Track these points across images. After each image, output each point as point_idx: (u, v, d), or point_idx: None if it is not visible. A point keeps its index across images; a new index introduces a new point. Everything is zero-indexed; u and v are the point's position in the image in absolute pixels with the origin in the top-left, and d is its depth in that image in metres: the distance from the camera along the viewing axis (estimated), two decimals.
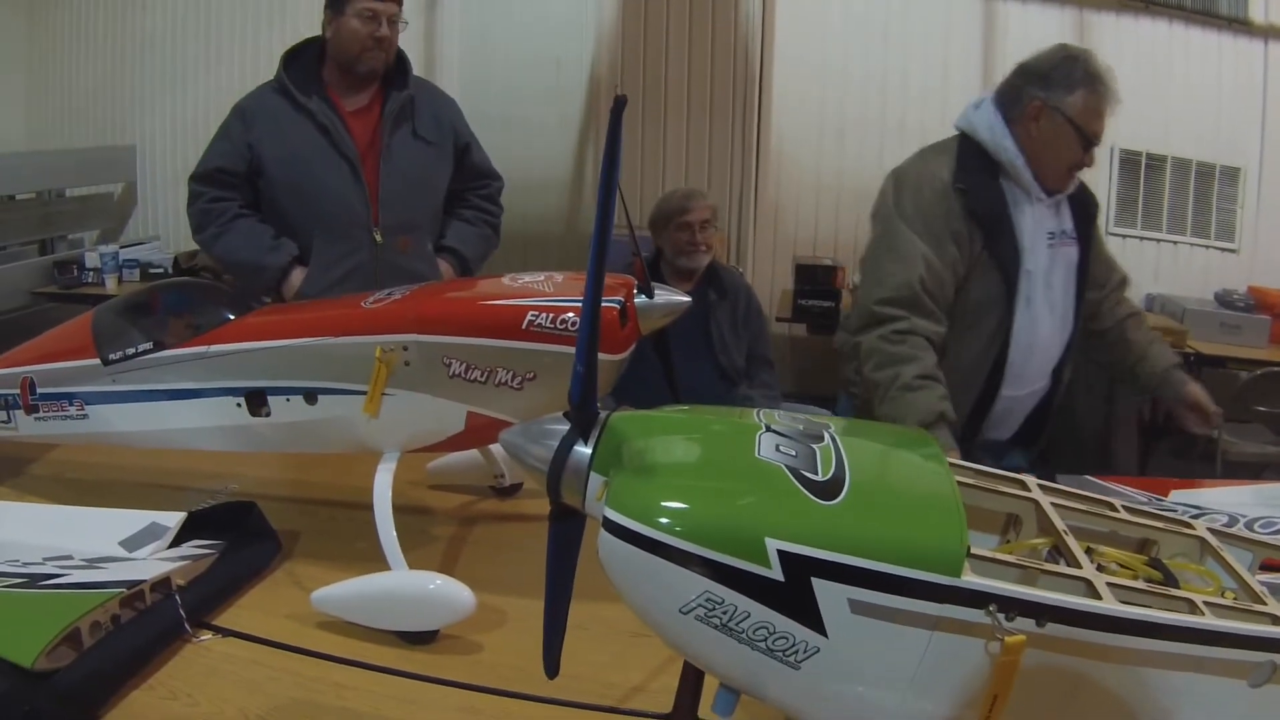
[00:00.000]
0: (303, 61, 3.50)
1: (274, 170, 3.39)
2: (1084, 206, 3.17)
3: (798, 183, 6.57)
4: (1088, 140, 2.93)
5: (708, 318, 4.01)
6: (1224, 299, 5.71)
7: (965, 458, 2.75)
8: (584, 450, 1.15)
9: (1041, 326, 3.05)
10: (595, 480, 1.14)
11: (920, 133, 6.29)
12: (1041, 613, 1.02)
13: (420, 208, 3.60)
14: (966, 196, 2.98)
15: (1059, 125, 2.93)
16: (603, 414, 1.18)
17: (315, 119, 3.37)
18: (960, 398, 2.97)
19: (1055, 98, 2.93)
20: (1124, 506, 1.37)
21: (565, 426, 1.16)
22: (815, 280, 5.79)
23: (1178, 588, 1.16)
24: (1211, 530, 1.35)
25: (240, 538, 2.17)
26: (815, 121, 6.48)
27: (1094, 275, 3.23)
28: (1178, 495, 2.53)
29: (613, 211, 1.11)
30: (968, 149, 3.09)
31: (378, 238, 3.44)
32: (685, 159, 6.24)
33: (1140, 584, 1.14)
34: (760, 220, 6.47)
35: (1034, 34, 6.15)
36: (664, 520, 1.04)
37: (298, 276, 3.38)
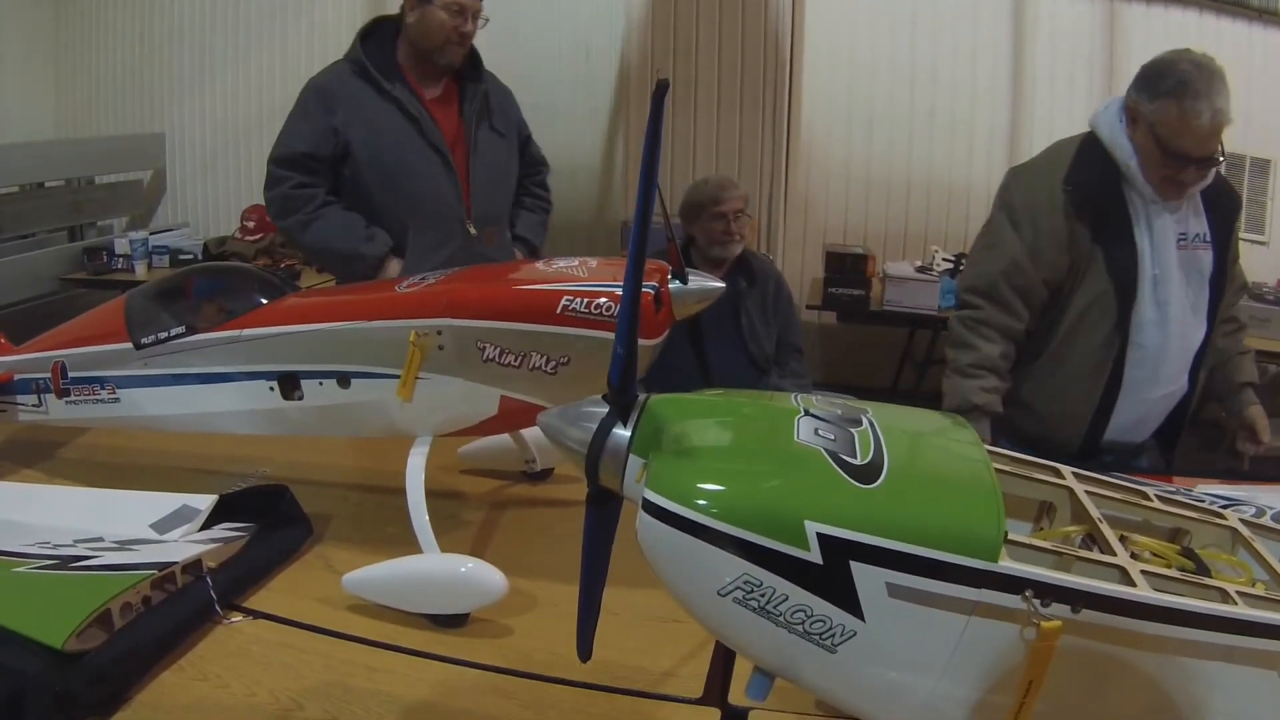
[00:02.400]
0: (378, 44, 3.46)
1: (364, 158, 3.35)
2: (1221, 208, 3.02)
3: (827, 171, 6.54)
4: (1172, 156, 2.74)
5: (738, 305, 3.99)
6: (1253, 292, 5.67)
7: (1089, 457, 2.93)
8: (623, 433, 1.14)
9: (1173, 328, 2.93)
10: (634, 463, 1.13)
11: (950, 122, 6.33)
12: (1076, 599, 1.02)
13: (502, 200, 3.67)
14: (1074, 195, 2.88)
15: (1146, 134, 2.78)
16: (641, 397, 1.18)
17: (403, 107, 3.36)
18: (1079, 397, 2.98)
19: (1144, 104, 2.77)
20: (1157, 496, 1.37)
21: (604, 409, 1.15)
22: (845, 268, 5.75)
23: (1210, 577, 1.16)
24: (1244, 521, 1.35)
25: (271, 521, 2.18)
26: (844, 110, 6.45)
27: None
28: (1205, 489, 2.51)
29: (654, 194, 1.10)
30: (1090, 147, 2.96)
31: (471, 230, 3.47)
32: (715, 147, 6.22)
33: (1173, 572, 1.14)
34: (790, 208, 6.44)
35: (1064, 24, 6.14)
36: (703, 502, 1.04)
37: (395, 266, 3.35)
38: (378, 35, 3.47)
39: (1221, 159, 2.77)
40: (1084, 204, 2.87)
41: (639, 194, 1.09)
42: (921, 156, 6.43)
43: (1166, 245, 2.88)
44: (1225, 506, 1.47)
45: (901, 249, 6.46)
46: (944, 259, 5.91)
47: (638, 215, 1.10)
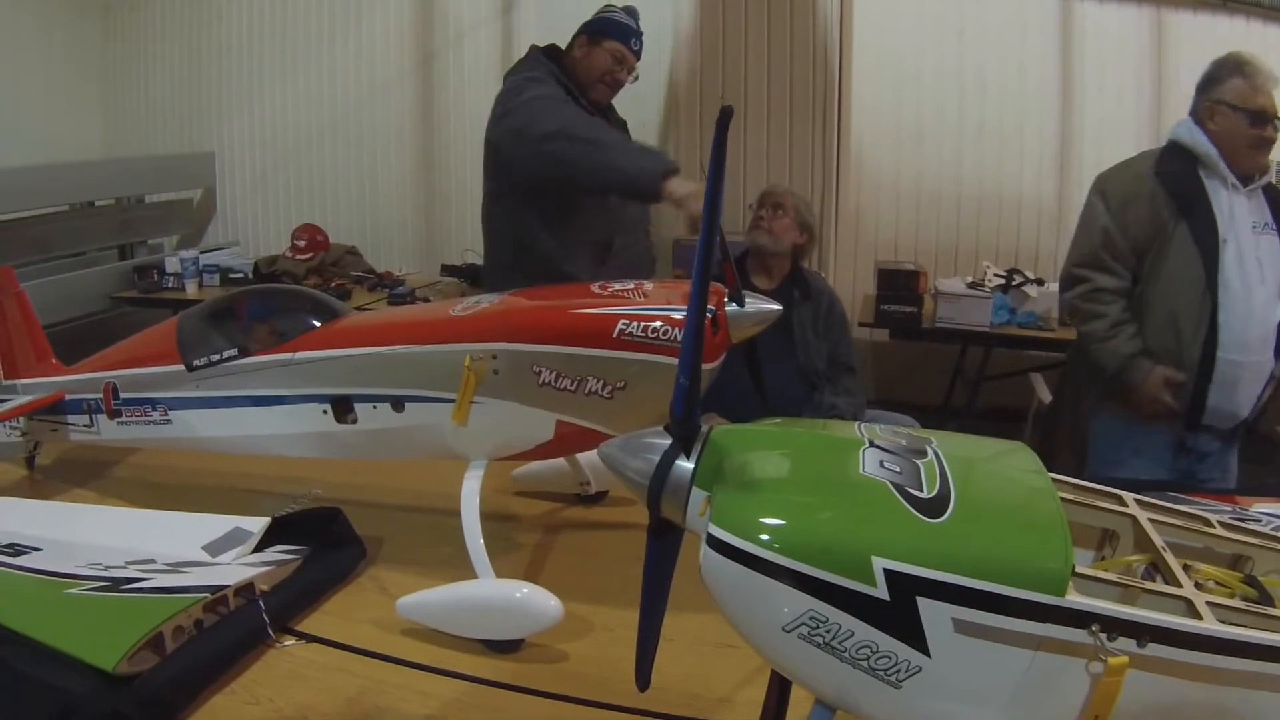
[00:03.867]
0: (553, 64, 3.70)
1: None
2: (1276, 203, 3.54)
3: (877, 185, 6.53)
4: (1254, 116, 3.37)
5: (790, 317, 3.98)
6: None
7: (1193, 427, 3.42)
8: (685, 465, 1.13)
9: (1255, 296, 3.38)
10: (697, 496, 1.12)
11: (999, 134, 6.29)
12: (1143, 633, 1.00)
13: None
14: (1163, 179, 3.46)
15: (1227, 114, 3.40)
16: (704, 428, 1.16)
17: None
18: (1181, 357, 3.45)
19: (1217, 93, 3.43)
20: (1219, 522, 1.34)
21: (666, 441, 1.14)
22: (897, 285, 5.72)
23: (1274, 606, 1.13)
24: None
25: (324, 543, 2.17)
26: (893, 124, 6.43)
27: None
28: (1263, 508, 2.47)
29: (718, 222, 1.09)
30: (1171, 150, 3.54)
31: (650, 240, 3.94)
32: (765, 163, 6.20)
33: (1238, 602, 1.11)
34: (841, 224, 6.43)
35: (1111, 34, 6.10)
36: (770, 538, 1.03)
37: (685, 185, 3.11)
38: (549, 57, 3.72)
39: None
40: (1171, 185, 3.45)
41: (704, 220, 1.08)
42: (971, 170, 6.41)
43: (1243, 226, 3.41)
44: None
45: (953, 264, 6.44)
46: (996, 274, 5.87)
47: (701, 241, 1.09)
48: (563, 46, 3.79)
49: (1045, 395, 5.10)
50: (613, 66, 3.69)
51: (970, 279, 5.92)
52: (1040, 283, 5.73)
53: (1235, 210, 3.41)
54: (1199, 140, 3.44)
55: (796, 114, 6.30)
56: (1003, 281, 5.74)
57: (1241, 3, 5.91)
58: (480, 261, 6.35)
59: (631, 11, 3.77)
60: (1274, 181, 3.59)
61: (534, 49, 3.75)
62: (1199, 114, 3.48)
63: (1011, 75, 6.28)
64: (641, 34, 3.78)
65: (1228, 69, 3.44)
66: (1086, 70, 6.20)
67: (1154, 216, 3.45)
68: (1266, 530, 1.36)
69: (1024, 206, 6.36)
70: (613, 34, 3.69)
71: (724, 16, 6.37)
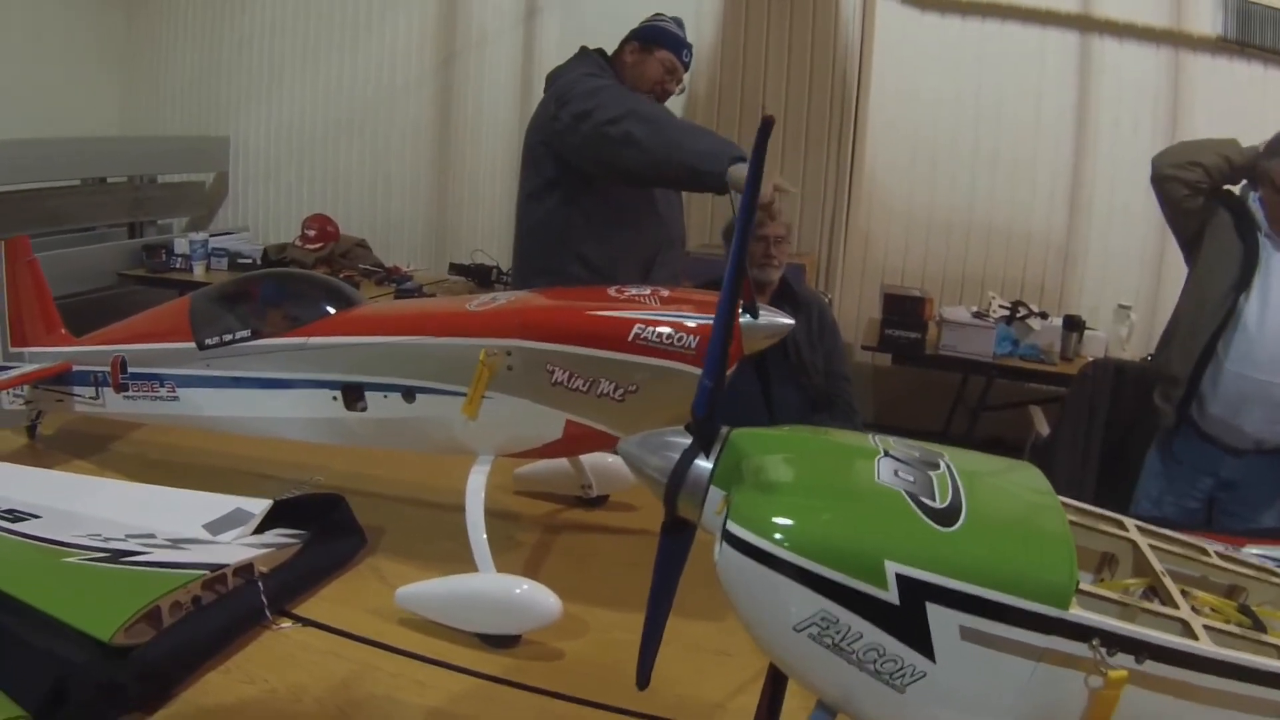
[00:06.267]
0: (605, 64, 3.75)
1: None
2: None
3: (888, 210, 6.54)
4: None
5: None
6: None
7: (1186, 419, 3.54)
8: (705, 464, 1.14)
9: (1270, 323, 3.39)
10: (714, 494, 1.13)
11: (1012, 164, 6.31)
12: (1141, 649, 1.02)
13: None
14: (1228, 197, 3.57)
15: (1268, 189, 3.40)
16: (724, 429, 1.17)
17: None
18: (1186, 343, 3.56)
19: (1266, 165, 3.39)
20: (1215, 552, 1.36)
21: (685, 439, 1.15)
22: (903, 310, 5.73)
23: (1266, 634, 1.15)
24: None
25: (325, 529, 2.17)
26: (908, 150, 6.45)
27: None
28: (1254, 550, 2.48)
29: (751, 231, 1.10)
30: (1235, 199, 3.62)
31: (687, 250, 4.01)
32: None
33: (1233, 628, 1.13)
34: (850, 247, 6.46)
35: (1129, 70, 6.12)
36: (787, 537, 1.04)
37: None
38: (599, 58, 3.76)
39: None
40: (1234, 207, 3.54)
41: (736, 229, 1.09)
42: (983, 199, 6.42)
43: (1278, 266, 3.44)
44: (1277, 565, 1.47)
45: (959, 292, 6.46)
46: (1001, 305, 5.89)
47: (734, 247, 1.10)
48: (589, 48, 3.81)
49: (1044, 428, 5.11)
50: (664, 77, 3.73)
51: (975, 308, 5.93)
52: (1044, 316, 5.74)
53: (1275, 255, 3.44)
54: (1252, 199, 3.52)
55: (812, 133, 6.36)
56: (1007, 313, 5.75)
57: (1259, 47, 5.93)
58: (489, 262, 6.42)
59: (679, 22, 3.81)
60: None
61: (584, 49, 3.78)
62: (1255, 175, 3.49)
63: (1028, 107, 6.29)
64: (691, 46, 3.82)
65: (1275, 146, 3.40)
66: (1102, 106, 6.21)
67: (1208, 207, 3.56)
68: (1261, 564, 1.38)
69: (1033, 239, 6.37)
70: (666, 44, 3.72)
71: (745, 34, 6.42)
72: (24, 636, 1.63)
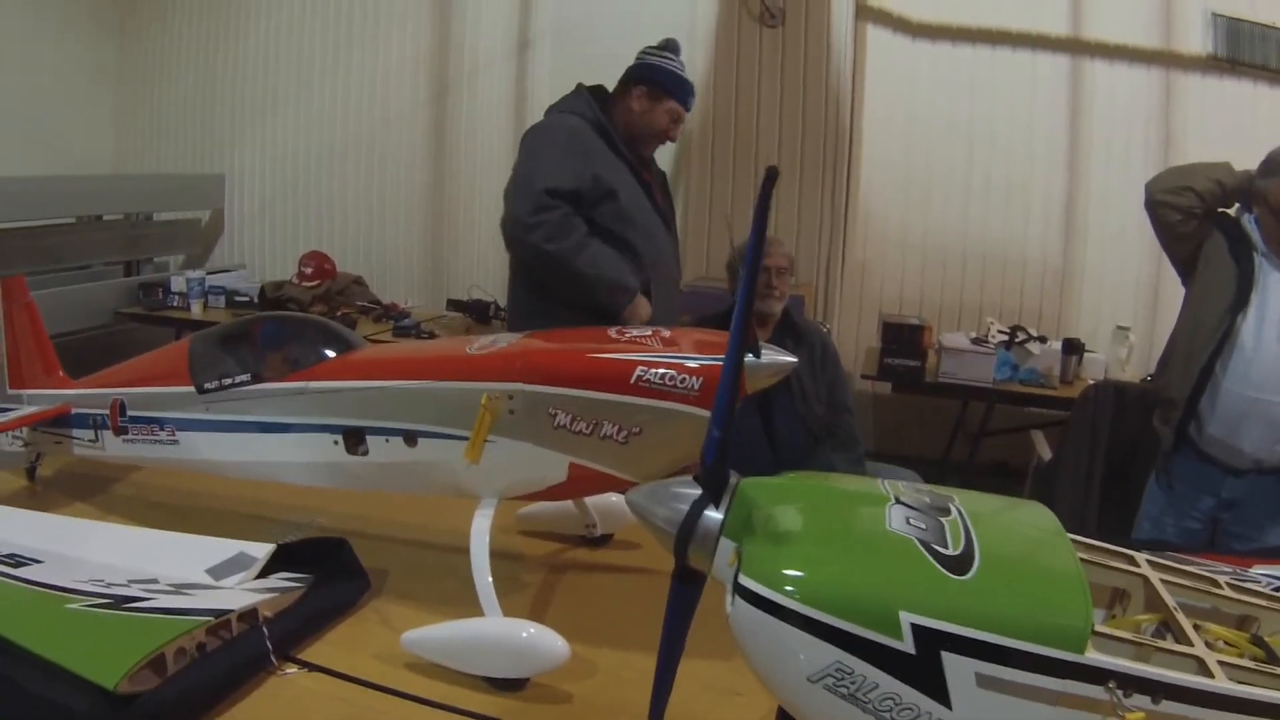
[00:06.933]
0: (601, 109, 3.79)
1: (628, 206, 3.65)
2: None
3: (884, 239, 6.55)
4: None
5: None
6: None
7: (1185, 439, 3.51)
8: (715, 515, 1.15)
9: (1266, 342, 3.38)
10: (725, 546, 1.13)
11: (1006, 190, 6.32)
12: (1157, 690, 1.03)
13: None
14: (1222, 219, 3.57)
15: (1262, 205, 3.42)
16: (733, 479, 1.17)
17: (635, 172, 3.72)
18: (1184, 366, 3.54)
19: (1261, 185, 3.40)
20: (1227, 583, 1.36)
21: (694, 490, 1.15)
22: (902, 339, 5.73)
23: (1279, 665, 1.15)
24: None
25: (329, 573, 2.16)
26: (902, 179, 6.46)
27: None
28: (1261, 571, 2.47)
29: (758, 278, 1.10)
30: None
31: (680, 289, 4.01)
32: (775, 213, 6.22)
33: (1247, 662, 1.14)
34: (847, 276, 6.47)
35: (1121, 94, 6.12)
36: (800, 590, 1.04)
37: (646, 305, 3.60)
38: (597, 100, 3.80)
39: None
40: (1228, 228, 3.53)
41: (744, 277, 1.09)
42: (978, 226, 6.43)
43: (1276, 286, 3.42)
44: None
45: (957, 319, 6.46)
46: (999, 331, 5.88)
47: (741, 297, 1.10)
48: (586, 85, 3.85)
49: (1045, 452, 5.10)
50: (669, 126, 3.83)
51: (974, 334, 5.93)
52: (1043, 340, 5.74)
53: (1273, 274, 3.44)
54: (1246, 220, 3.53)
55: (807, 164, 6.37)
56: (1006, 338, 5.75)
57: (1250, 65, 5.94)
58: (486, 298, 6.42)
59: (673, 46, 3.87)
60: None
61: (581, 88, 3.83)
62: (1250, 196, 3.50)
63: (1020, 133, 6.30)
64: (692, 85, 3.91)
65: (1274, 164, 3.41)
66: (1095, 129, 6.22)
67: (1207, 236, 3.56)
68: (1268, 591, 1.38)
69: (1029, 264, 6.38)
70: (675, 95, 3.81)
71: (738, 67, 6.44)
72: (27, 684, 1.62)
